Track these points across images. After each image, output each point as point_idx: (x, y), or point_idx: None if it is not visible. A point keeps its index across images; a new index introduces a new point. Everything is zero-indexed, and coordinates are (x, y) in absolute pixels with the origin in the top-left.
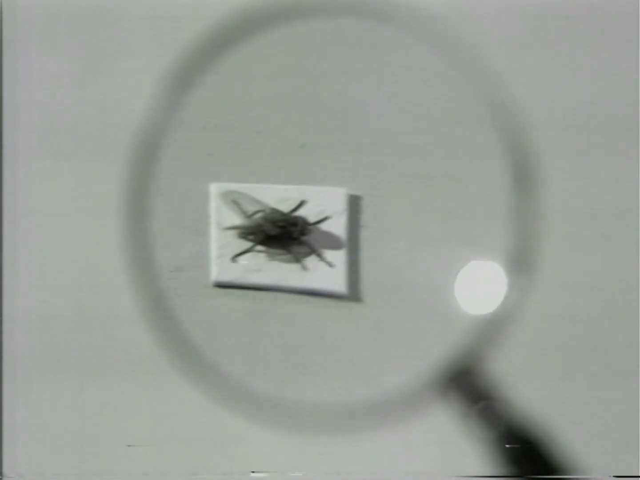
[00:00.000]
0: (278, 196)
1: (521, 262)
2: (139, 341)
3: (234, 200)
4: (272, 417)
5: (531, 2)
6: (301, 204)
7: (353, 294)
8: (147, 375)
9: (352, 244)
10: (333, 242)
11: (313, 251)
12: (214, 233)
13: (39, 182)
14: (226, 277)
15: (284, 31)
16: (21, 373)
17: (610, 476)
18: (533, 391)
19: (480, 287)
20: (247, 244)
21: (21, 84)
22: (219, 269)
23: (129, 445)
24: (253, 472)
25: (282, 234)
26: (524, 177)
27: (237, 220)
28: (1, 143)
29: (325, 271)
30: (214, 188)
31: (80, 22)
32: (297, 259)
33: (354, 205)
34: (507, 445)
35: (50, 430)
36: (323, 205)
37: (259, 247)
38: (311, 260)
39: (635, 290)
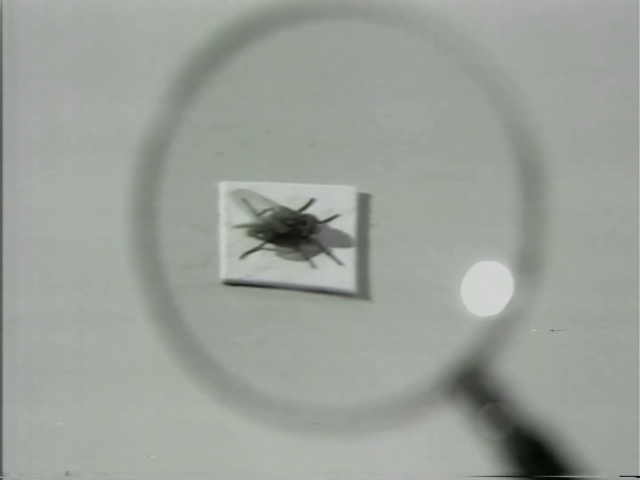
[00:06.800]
0: (287, 194)
1: (529, 263)
2: (143, 340)
3: (243, 199)
4: (278, 416)
5: (535, 2)
6: (310, 202)
7: (362, 293)
8: (149, 374)
9: (362, 243)
10: (342, 241)
11: (322, 249)
12: (223, 231)
13: (41, 181)
14: (235, 275)
15: (293, 30)
16: (21, 373)
17: (610, 476)
18: (539, 392)
19: (488, 287)
20: (256, 242)
21: (21, 84)
22: (228, 267)
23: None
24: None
25: (292, 232)
26: (531, 177)
27: (247, 218)
28: (1, 143)
29: (334, 269)
30: (223, 186)
31: (83, 20)
32: (306, 257)
33: (364, 203)
34: (514, 446)
35: (50, 430)
36: (332, 203)
37: (268, 245)
38: (320, 259)
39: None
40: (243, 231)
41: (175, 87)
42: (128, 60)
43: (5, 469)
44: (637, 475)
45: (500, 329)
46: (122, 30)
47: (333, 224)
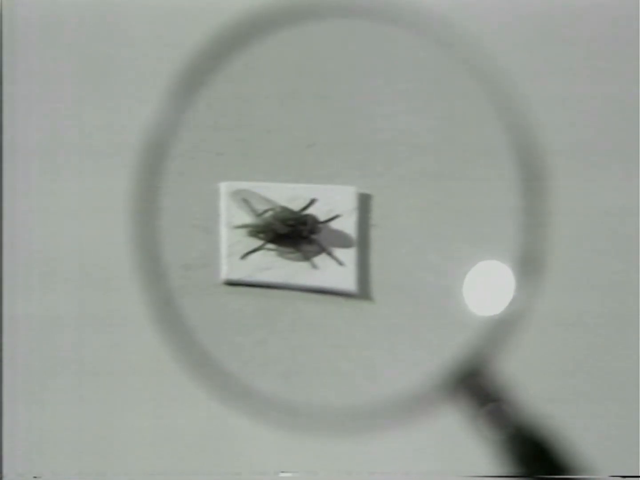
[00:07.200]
0: (288, 195)
1: (530, 263)
2: (144, 340)
3: (243, 199)
4: (279, 416)
5: (535, 2)
6: (311, 202)
7: (363, 293)
8: (150, 375)
9: (362, 243)
10: (343, 241)
11: (323, 250)
12: (223, 232)
13: (42, 181)
14: (236, 276)
15: (293, 30)
16: (21, 373)
17: (610, 476)
18: (539, 392)
19: (489, 287)
20: (257, 243)
21: (22, 84)
22: (228, 267)
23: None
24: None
25: (292, 232)
26: (531, 177)
27: (247, 218)
28: (1, 142)
29: (335, 270)
30: (224, 187)
31: (83, 21)
32: (307, 258)
33: (364, 203)
34: (514, 446)
35: (50, 430)
36: (333, 203)
37: (269, 246)
38: (321, 259)
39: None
40: (244, 231)
41: (175, 87)
42: (128, 61)
43: (5, 470)
44: (635, 475)
45: (501, 329)
46: (122, 31)
47: (334, 225)
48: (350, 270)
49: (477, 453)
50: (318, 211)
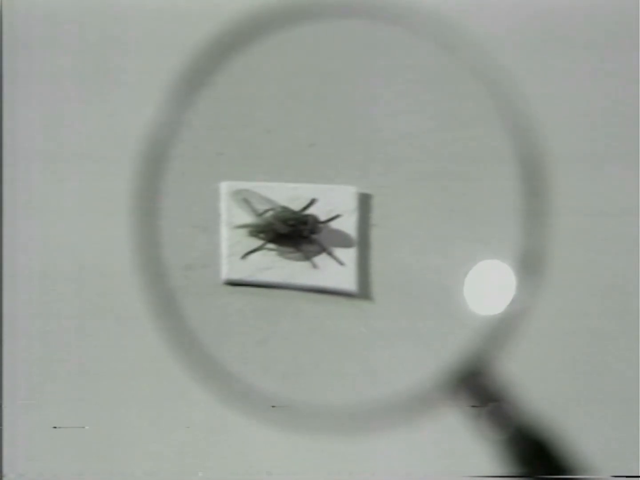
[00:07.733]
0: (288, 195)
1: (530, 263)
2: (145, 340)
3: (244, 199)
4: (279, 416)
5: (536, 3)
6: (311, 202)
7: (363, 293)
8: (150, 375)
9: (363, 243)
10: (343, 241)
11: (323, 249)
12: (224, 232)
13: (42, 181)
14: (236, 276)
15: (294, 31)
16: (21, 373)
17: (610, 476)
18: (540, 392)
19: (489, 287)
20: (257, 242)
21: (22, 84)
22: (229, 267)
23: None
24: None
25: (293, 232)
26: (532, 177)
27: (248, 218)
28: (2, 144)
29: (336, 269)
30: (225, 187)
31: (84, 20)
32: (308, 257)
33: (364, 203)
34: (515, 446)
35: (50, 430)
36: (333, 203)
37: (270, 246)
38: (321, 259)
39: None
40: (244, 231)
41: (176, 88)
42: (128, 62)
43: (5, 470)
44: (635, 475)
45: (502, 329)
46: (122, 32)
47: (334, 224)
48: (350, 270)
49: (478, 453)
50: (318, 211)
